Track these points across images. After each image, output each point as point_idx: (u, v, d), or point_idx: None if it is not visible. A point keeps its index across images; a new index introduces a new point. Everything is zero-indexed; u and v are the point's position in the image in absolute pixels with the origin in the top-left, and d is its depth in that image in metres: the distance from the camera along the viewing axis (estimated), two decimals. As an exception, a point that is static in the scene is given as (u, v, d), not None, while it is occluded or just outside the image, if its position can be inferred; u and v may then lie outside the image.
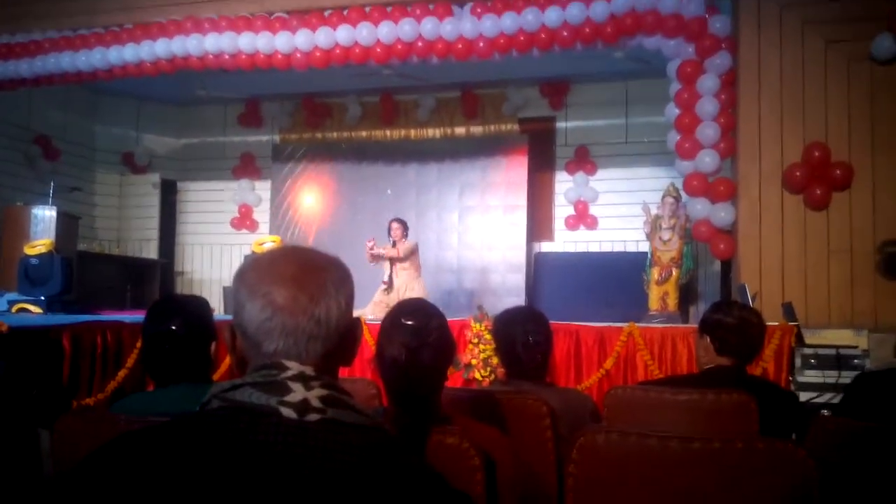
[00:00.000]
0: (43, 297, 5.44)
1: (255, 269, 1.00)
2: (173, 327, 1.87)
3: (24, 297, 5.46)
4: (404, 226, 6.55)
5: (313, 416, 0.91)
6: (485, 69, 6.85)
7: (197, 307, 1.96)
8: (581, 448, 1.52)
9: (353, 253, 7.99)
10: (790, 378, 4.20)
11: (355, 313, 1.05)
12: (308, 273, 0.99)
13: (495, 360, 4.33)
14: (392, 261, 6.45)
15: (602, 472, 1.51)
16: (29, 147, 8.11)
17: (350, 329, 1.02)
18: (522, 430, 2.02)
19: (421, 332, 1.60)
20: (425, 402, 1.61)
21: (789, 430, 2.39)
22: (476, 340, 4.64)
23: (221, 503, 0.85)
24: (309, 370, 0.95)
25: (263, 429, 0.89)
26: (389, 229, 6.55)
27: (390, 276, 6.45)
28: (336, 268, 1.03)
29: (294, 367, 0.95)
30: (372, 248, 6.41)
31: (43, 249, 5.55)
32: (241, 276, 1.00)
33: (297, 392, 0.92)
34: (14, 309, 5.36)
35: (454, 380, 4.59)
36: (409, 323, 1.61)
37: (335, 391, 0.95)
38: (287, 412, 0.90)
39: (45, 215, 6.39)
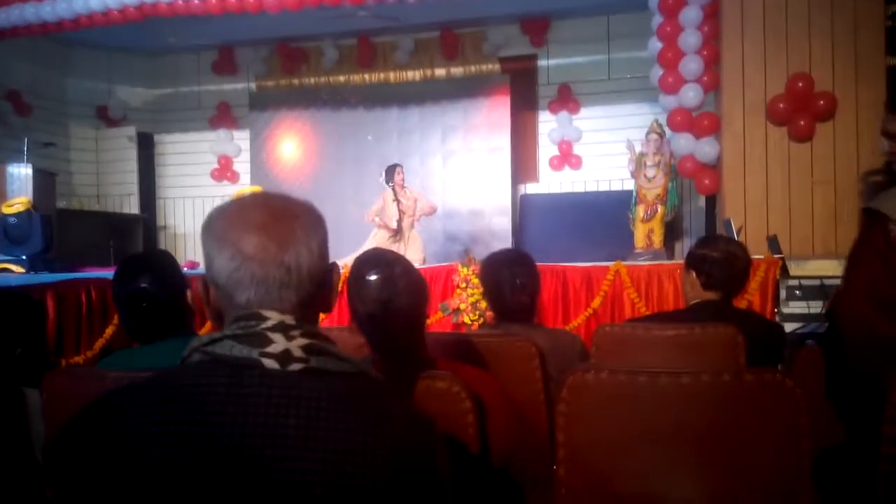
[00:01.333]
0: (24, 257, 5.38)
1: (223, 218, 0.97)
2: (143, 285, 1.84)
3: (5, 258, 5.40)
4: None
5: (296, 366, 0.90)
6: (463, 7, 6.71)
7: (162, 261, 1.93)
8: (570, 387, 1.53)
9: (336, 201, 7.96)
10: (775, 310, 4.25)
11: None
12: (277, 220, 0.96)
13: (484, 304, 4.35)
14: (401, 209, 6.41)
15: (592, 410, 1.53)
16: (-1, 103, 7.90)
17: (325, 275, 0.99)
18: (512, 372, 2.03)
19: (388, 282, 1.58)
20: (410, 349, 1.60)
21: (776, 361, 2.43)
22: (464, 285, 4.64)
23: (207, 459, 0.84)
24: (289, 319, 0.94)
25: (247, 381, 0.88)
26: (392, 174, 6.46)
27: (399, 224, 6.41)
28: (307, 213, 1.00)
29: (273, 316, 0.93)
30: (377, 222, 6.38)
31: (21, 208, 5.46)
32: (208, 226, 0.98)
33: (279, 342, 0.91)
34: (-4, 269, 5.30)
35: (444, 324, 4.62)
36: (375, 277, 1.58)
37: (317, 339, 0.94)
38: (269, 363, 0.89)
39: (20, 173, 6.25)
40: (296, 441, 0.85)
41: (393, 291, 1.58)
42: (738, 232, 4.80)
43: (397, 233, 6.39)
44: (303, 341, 0.92)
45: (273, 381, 0.88)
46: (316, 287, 0.98)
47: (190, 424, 0.85)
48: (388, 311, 1.56)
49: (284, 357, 0.90)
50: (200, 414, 0.86)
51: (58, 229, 5.96)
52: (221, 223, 0.97)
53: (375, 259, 1.63)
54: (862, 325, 1.79)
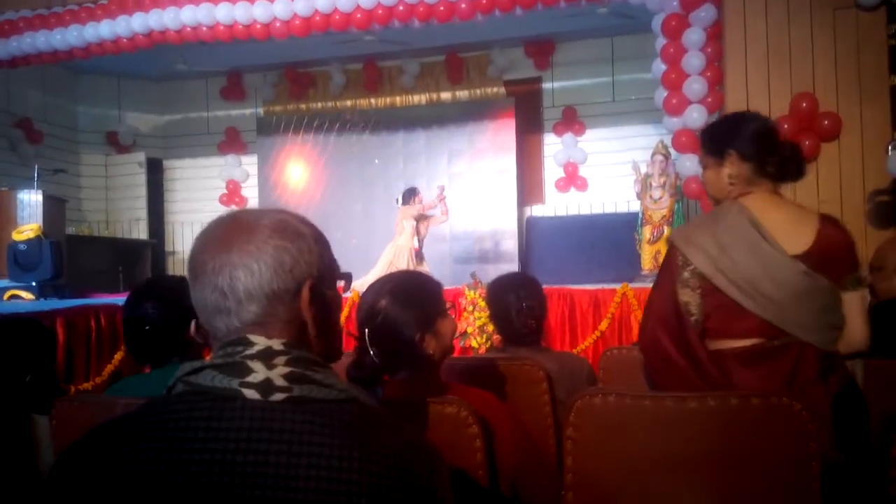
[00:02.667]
0: (34, 283, 5.40)
1: (196, 239, 0.96)
2: (146, 309, 1.87)
3: (16, 284, 5.43)
4: None
5: (278, 396, 0.86)
6: (468, 31, 6.76)
7: (172, 288, 1.93)
8: (578, 411, 1.53)
9: (343, 224, 7.99)
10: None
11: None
12: (222, 239, 0.92)
13: (491, 328, 4.34)
14: (420, 229, 6.47)
15: (600, 435, 1.53)
16: (10, 131, 7.98)
17: (286, 295, 0.92)
18: (520, 396, 2.03)
19: (375, 291, 1.59)
20: (419, 371, 1.60)
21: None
22: (471, 308, 4.65)
23: (187, 493, 0.82)
24: (277, 344, 0.90)
25: (228, 414, 0.85)
26: (414, 196, 6.59)
27: (421, 244, 6.47)
28: (266, 227, 0.92)
29: (260, 341, 0.90)
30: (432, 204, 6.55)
31: (31, 234, 5.50)
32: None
33: (259, 372, 0.87)
34: (6, 296, 5.33)
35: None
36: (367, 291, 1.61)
37: (301, 366, 0.90)
38: (250, 393, 0.86)
39: (30, 200, 6.30)
40: (276, 478, 0.82)
41: (377, 297, 1.57)
42: (745, 252, 4.80)
43: (420, 254, 6.46)
44: (285, 369, 0.88)
45: (254, 413, 0.85)
46: (273, 308, 0.91)
47: (169, 463, 0.83)
48: (375, 323, 1.55)
49: (265, 387, 0.86)
50: (179, 451, 0.84)
51: (67, 255, 5.99)
52: (194, 244, 0.96)
53: (363, 301, 1.61)
54: (659, 354, 1.79)
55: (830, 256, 1.76)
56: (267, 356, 0.89)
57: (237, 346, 0.90)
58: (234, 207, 8.98)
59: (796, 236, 1.76)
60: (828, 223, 1.80)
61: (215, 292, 0.90)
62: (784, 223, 1.78)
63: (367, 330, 1.55)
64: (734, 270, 1.74)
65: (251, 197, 9.10)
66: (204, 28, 5.83)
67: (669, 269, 1.83)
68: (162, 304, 1.87)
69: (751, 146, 1.86)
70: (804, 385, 1.71)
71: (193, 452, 0.83)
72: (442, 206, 6.63)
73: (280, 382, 0.87)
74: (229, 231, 0.93)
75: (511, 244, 8.11)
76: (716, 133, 1.98)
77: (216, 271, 0.90)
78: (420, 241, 6.45)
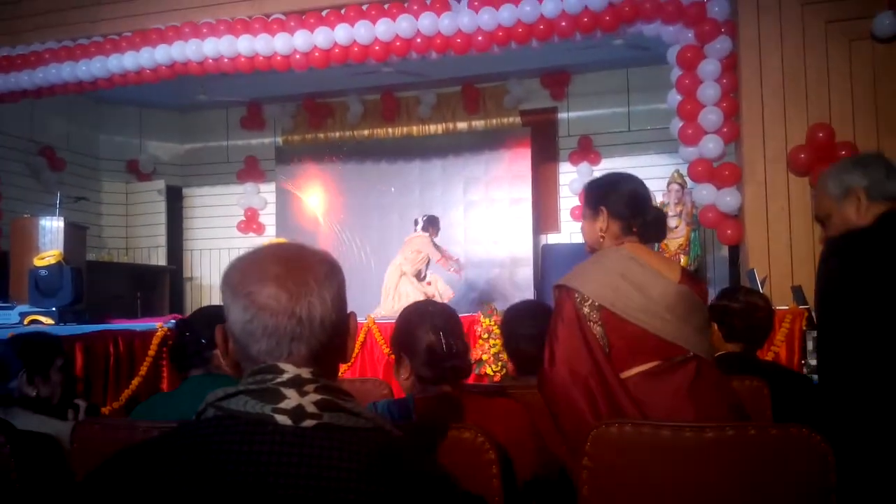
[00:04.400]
0: (54, 308, 5.47)
1: (239, 270, 0.98)
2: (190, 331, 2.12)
3: (36, 309, 5.49)
4: None
5: (309, 423, 0.89)
6: (484, 62, 6.84)
7: (204, 311, 2.21)
8: (595, 440, 1.53)
9: (359, 253, 8.04)
10: (803, 361, 4.18)
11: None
12: (290, 270, 0.96)
13: (505, 356, 4.33)
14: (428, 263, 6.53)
15: (616, 464, 1.52)
16: (34, 159, 8.13)
17: (340, 325, 0.99)
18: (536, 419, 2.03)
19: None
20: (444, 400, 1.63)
21: (804, 414, 2.39)
22: (486, 336, 4.64)
23: None
24: (305, 372, 0.93)
25: (259, 438, 0.88)
26: (436, 227, 6.62)
27: (425, 273, 6.52)
28: (321, 263, 0.99)
29: (289, 369, 0.93)
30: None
31: (52, 260, 5.57)
32: (226, 276, 0.99)
33: (292, 398, 0.90)
34: (26, 321, 5.39)
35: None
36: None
37: (331, 394, 0.93)
38: (282, 419, 0.89)
39: (52, 226, 6.40)
40: (306, 502, 0.84)
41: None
42: (763, 282, 4.76)
43: (423, 277, 6.46)
44: (316, 397, 0.91)
45: (285, 438, 0.88)
46: (330, 337, 0.97)
47: (202, 484, 0.85)
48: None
49: (297, 413, 0.89)
50: (212, 473, 0.86)
51: (87, 281, 6.06)
52: (237, 274, 0.97)
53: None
54: (569, 406, 1.85)
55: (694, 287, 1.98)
56: (298, 384, 0.92)
57: (267, 373, 0.93)
58: (252, 235, 9.08)
59: (669, 270, 1.98)
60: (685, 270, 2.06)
61: (292, 319, 0.94)
62: (656, 261, 2.00)
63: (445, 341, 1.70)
64: (629, 297, 1.89)
65: (269, 224, 9.18)
66: (225, 59, 5.95)
67: (566, 308, 1.93)
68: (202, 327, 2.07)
69: (621, 207, 2.04)
70: (705, 392, 1.84)
71: (226, 475, 0.85)
72: (456, 265, 6.64)
73: (311, 409, 0.90)
74: (292, 262, 0.98)
75: (526, 272, 8.11)
76: (594, 190, 2.15)
77: (294, 299, 0.94)
78: (425, 271, 6.49)
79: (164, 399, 2.22)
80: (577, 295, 1.92)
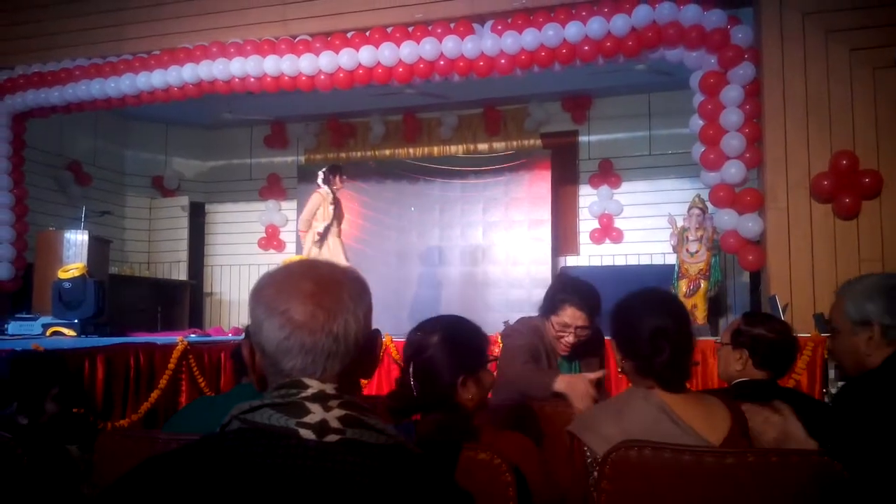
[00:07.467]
0: (77, 321, 5.54)
1: (273, 286, 0.99)
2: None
3: (59, 321, 5.57)
4: None
5: (332, 437, 0.90)
6: (507, 85, 6.88)
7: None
8: (613, 464, 1.52)
9: (378, 270, 8.06)
10: (824, 390, 4.13)
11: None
12: (325, 288, 0.97)
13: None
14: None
15: (635, 488, 1.50)
16: (61, 173, 8.28)
17: (369, 342, 1.01)
18: (552, 443, 2.02)
19: (417, 353, 1.64)
20: (456, 416, 1.61)
21: (825, 442, 2.36)
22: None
23: None
24: (329, 388, 0.94)
25: (282, 451, 0.89)
26: (336, 175, 6.67)
27: (326, 229, 6.52)
28: (353, 281, 1.01)
29: (314, 385, 0.94)
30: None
31: (76, 273, 5.66)
32: (258, 292, 0.99)
33: (316, 413, 0.91)
34: (49, 332, 5.46)
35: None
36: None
37: (355, 410, 0.94)
38: (306, 433, 0.90)
39: (77, 239, 6.51)
40: None
41: (429, 335, 1.64)
42: (784, 309, 4.72)
43: (322, 239, 6.43)
44: (340, 412, 0.92)
45: (307, 452, 0.88)
46: (360, 354, 0.98)
47: (225, 496, 0.86)
48: (421, 359, 1.61)
49: (321, 428, 0.90)
50: (235, 484, 0.86)
51: (109, 294, 6.14)
52: (271, 291, 0.98)
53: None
54: None
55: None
56: (322, 399, 0.93)
57: (291, 388, 0.94)
58: (272, 251, 9.14)
59: (710, 427, 1.62)
60: (735, 407, 1.70)
61: (329, 337, 0.95)
62: (694, 412, 1.65)
63: (411, 364, 1.58)
64: None
65: (289, 241, 9.25)
66: (251, 79, 6.04)
67: (575, 462, 1.69)
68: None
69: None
70: None
71: (249, 487, 0.86)
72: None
73: (335, 424, 0.91)
74: (326, 280, 0.99)
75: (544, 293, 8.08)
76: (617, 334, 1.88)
77: (331, 317, 0.95)
78: (327, 227, 6.47)
79: (210, 401, 2.24)
80: (587, 451, 1.65)
